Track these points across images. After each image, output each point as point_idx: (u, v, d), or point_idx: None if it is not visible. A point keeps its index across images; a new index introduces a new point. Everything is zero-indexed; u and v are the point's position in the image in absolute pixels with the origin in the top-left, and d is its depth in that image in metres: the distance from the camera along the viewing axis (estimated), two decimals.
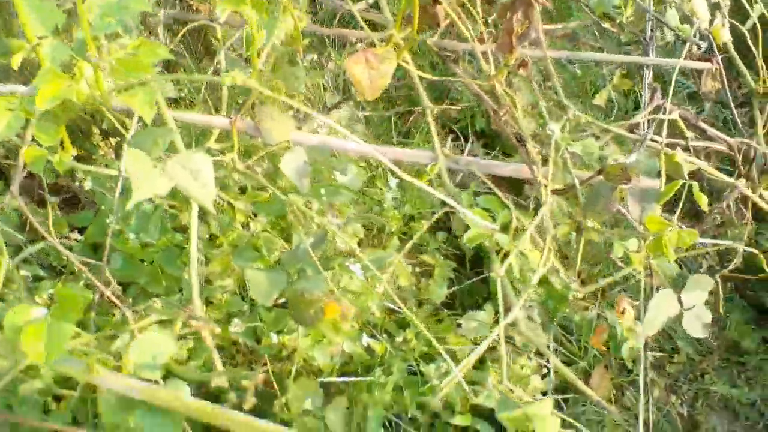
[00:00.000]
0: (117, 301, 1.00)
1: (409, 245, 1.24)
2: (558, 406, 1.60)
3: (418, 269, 1.79)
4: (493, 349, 1.72)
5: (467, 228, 1.96)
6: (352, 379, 1.40)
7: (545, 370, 1.59)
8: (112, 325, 1.21)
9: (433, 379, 1.46)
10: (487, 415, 1.58)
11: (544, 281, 1.76)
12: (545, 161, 1.01)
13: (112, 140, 1.65)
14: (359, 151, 1.07)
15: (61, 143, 1.03)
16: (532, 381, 1.54)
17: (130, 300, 1.43)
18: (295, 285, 1.13)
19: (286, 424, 1.36)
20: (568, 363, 1.66)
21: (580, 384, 1.09)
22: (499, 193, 1.11)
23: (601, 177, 1.02)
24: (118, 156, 1.75)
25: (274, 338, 1.27)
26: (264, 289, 1.13)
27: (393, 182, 1.74)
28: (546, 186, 0.97)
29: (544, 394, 1.54)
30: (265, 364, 1.38)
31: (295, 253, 1.14)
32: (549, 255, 1.09)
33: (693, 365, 1.75)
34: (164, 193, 0.84)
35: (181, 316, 1.00)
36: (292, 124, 1.09)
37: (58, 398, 1.22)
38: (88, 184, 1.40)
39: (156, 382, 0.85)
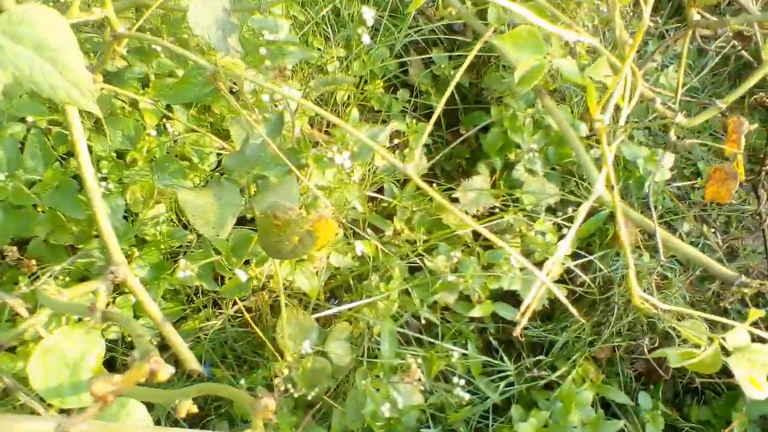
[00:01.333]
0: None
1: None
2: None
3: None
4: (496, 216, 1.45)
5: (435, 79, 1.62)
6: (355, 304, 1.09)
7: (564, 230, 1.32)
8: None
9: (445, 273, 1.18)
10: (505, 297, 1.33)
11: (539, 125, 1.46)
12: None
13: None
14: None
15: None
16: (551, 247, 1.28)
17: (34, 263, 1.06)
18: (256, 201, 0.79)
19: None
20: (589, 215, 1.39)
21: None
22: None
23: None
24: None
25: (242, 275, 0.93)
26: (211, 217, 0.77)
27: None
28: None
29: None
30: (235, 304, 1.05)
31: (243, 153, 0.78)
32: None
33: None
34: None
35: (99, 282, 0.65)
36: None
37: None
38: None
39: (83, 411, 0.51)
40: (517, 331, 0.55)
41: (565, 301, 0.54)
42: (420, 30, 1.58)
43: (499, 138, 1.41)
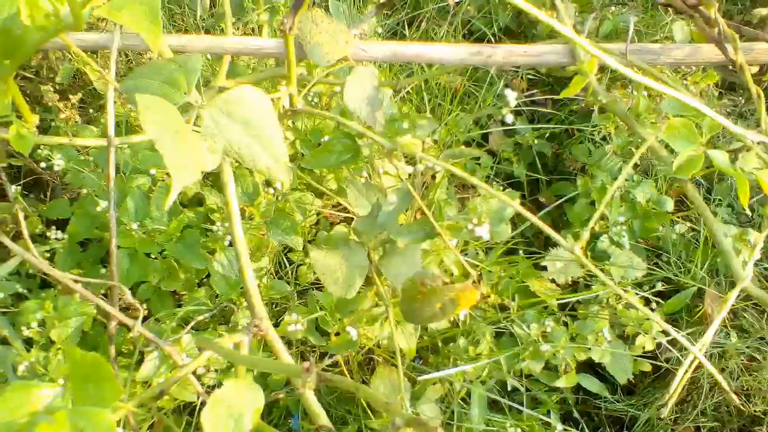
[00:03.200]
0: (151, 336, 0.67)
1: None
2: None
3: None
4: (588, 288, 1.46)
5: (517, 147, 1.66)
6: (450, 371, 1.11)
7: (654, 305, 1.32)
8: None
9: (538, 341, 1.18)
10: (586, 368, 1.33)
11: (625, 197, 1.47)
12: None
13: (74, 98, 1.28)
14: (446, 58, 0.74)
15: (15, 109, 0.68)
16: (643, 321, 1.27)
17: (144, 305, 1.11)
18: (383, 265, 0.82)
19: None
20: (674, 290, 1.39)
21: None
22: None
23: None
24: (89, 118, 1.38)
25: (353, 333, 0.96)
26: (340, 277, 0.81)
27: None
28: (742, 67, 0.65)
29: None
30: (337, 363, 1.08)
31: (373, 218, 0.82)
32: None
33: None
34: (212, 168, 0.51)
35: (244, 331, 0.69)
36: (349, 35, 0.74)
37: None
38: (59, 163, 1.04)
39: None
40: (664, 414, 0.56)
41: (721, 380, 0.55)
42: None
43: (586, 209, 1.43)
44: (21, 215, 1.04)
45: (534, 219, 0.69)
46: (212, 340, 0.65)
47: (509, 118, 0.70)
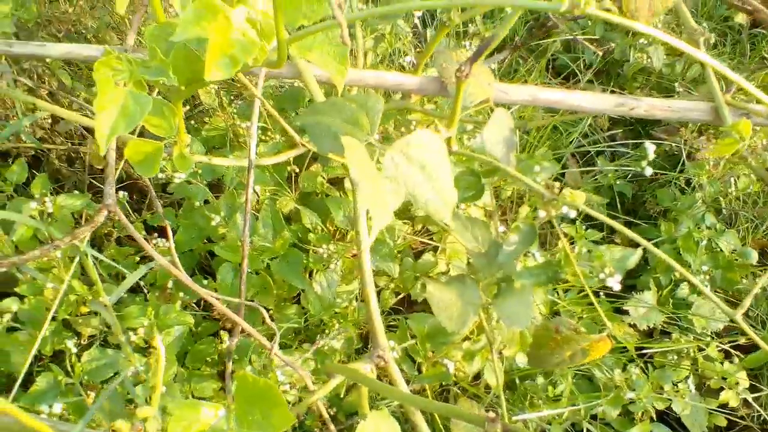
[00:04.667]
0: (285, 359, 0.69)
1: None
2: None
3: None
4: (663, 333, 1.44)
5: (596, 187, 1.66)
6: (542, 413, 1.10)
7: (735, 359, 1.30)
8: None
9: (621, 387, 1.17)
10: (659, 414, 1.31)
11: (708, 247, 1.46)
12: None
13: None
14: (587, 106, 0.75)
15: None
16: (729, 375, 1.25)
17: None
18: (496, 305, 0.83)
19: None
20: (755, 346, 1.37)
21: None
22: None
23: None
24: (187, 128, 1.42)
25: (450, 366, 0.96)
26: (454, 312, 0.82)
27: None
28: None
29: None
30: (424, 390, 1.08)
31: (492, 257, 0.82)
32: None
33: None
34: (396, 207, 0.52)
35: (367, 360, 0.70)
36: (491, 77, 0.76)
37: None
38: (181, 176, 1.07)
39: None
40: None
41: None
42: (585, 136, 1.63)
43: (670, 255, 1.41)
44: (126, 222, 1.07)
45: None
46: (344, 367, 0.66)
47: (648, 171, 0.70)
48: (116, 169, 1.52)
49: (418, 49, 1.50)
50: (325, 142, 0.56)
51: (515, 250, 0.81)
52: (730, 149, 0.64)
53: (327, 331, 1.09)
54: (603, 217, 0.63)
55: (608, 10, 0.43)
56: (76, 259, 0.99)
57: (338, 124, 0.55)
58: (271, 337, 1.21)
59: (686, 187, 1.56)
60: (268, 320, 0.77)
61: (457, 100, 0.59)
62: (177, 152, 0.64)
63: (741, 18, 1.68)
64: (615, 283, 0.69)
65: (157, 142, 0.64)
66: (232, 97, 1.28)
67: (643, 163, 0.70)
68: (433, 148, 0.55)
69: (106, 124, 0.51)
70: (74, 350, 0.94)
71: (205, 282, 1.09)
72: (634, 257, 0.84)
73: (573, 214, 0.68)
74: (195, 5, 0.46)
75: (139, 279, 1.17)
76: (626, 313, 1.33)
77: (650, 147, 0.70)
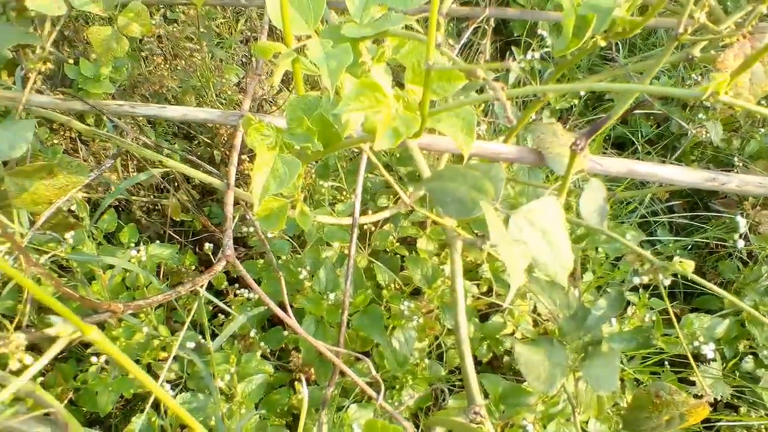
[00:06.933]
0: (390, 410, 0.72)
1: None
2: None
3: None
4: (727, 406, 1.43)
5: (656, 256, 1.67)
6: None
7: None
8: None
9: None
10: None
11: None
12: None
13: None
14: (679, 179, 0.78)
15: None
16: None
17: (312, 371, 1.16)
18: (582, 367, 0.85)
19: None
20: None
21: None
22: None
23: None
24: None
25: (530, 428, 0.98)
26: (542, 373, 0.84)
27: None
28: None
29: None
30: None
31: (580, 320, 0.85)
32: None
33: None
34: (525, 268, 0.56)
35: (463, 416, 0.72)
36: (586, 147, 0.80)
37: None
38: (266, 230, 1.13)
39: None
40: None
41: None
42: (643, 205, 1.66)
43: (735, 327, 1.41)
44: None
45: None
46: (451, 420, 0.68)
47: (740, 243, 0.73)
48: (194, 223, 1.58)
49: (487, 118, 1.56)
50: (450, 206, 0.60)
51: (604, 314, 0.84)
52: None
53: (398, 387, 1.11)
54: (710, 286, 0.65)
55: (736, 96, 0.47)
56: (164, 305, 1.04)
57: (464, 190, 0.59)
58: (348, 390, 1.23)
59: (748, 260, 1.57)
60: (373, 371, 0.80)
61: (569, 171, 0.64)
62: (299, 209, 0.69)
63: None
64: (709, 351, 0.71)
65: (282, 199, 0.70)
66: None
67: (735, 236, 0.72)
68: (553, 215, 0.59)
69: (259, 183, 0.57)
70: (171, 393, 0.98)
71: (285, 333, 1.13)
72: (722, 326, 0.86)
73: (667, 281, 0.71)
74: (357, 84, 0.51)
75: (213, 325, 1.21)
76: (692, 383, 1.33)
77: (741, 220, 0.73)
